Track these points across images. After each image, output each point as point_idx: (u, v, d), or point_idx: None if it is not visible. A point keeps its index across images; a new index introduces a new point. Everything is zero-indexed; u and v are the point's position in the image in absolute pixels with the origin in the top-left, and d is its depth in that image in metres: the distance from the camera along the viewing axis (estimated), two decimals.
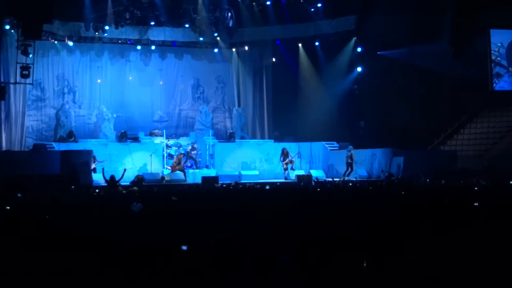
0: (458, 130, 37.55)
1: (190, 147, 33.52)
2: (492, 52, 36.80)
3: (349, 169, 31.67)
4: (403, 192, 17.39)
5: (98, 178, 28.11)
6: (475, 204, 12.34)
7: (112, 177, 23.48)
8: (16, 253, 7.61)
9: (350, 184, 24.56)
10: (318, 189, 20.06)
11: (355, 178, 30.22)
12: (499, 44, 36.88)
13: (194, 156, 33.49)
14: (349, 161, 31.84)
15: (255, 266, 6.63)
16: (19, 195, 17.50)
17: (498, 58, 37.01)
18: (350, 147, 32.23)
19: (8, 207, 13.15)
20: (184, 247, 9.72)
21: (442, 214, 10.79)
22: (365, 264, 6.80)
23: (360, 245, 7.60)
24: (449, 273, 6.55)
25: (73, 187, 23.38)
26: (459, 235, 8.51)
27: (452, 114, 37.45)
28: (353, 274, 6.52)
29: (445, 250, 7.52)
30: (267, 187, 21.88)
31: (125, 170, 26.10)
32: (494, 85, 36.91)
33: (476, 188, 19.05)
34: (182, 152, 32.98)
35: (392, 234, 8.62)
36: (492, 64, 36.84)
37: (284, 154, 32.72)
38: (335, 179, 28.37)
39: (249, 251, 6.97)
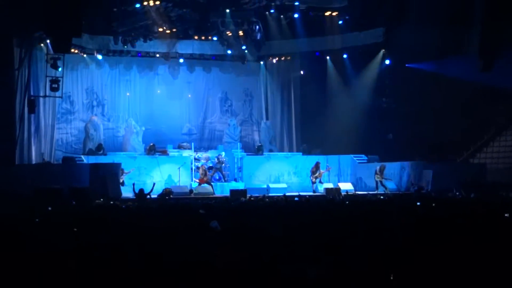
0: (487, 143, 37.20)
1: (216, 160, 33.50)
2: None
3: (378, 186, 31.47)
4: (433, 205, 17.26)
5: (126, 191, 28.23)
6: (505, 215, 12.21)
7: (141, 190, 23.55)
8: (47, 266, 7.62)
9: (381, 197, 24.41)
10: (347, 202, 19.96)
11: (384, 191, 30.16)
12: None
13: (221, 169, 33.48)
14: (376, 179, 31.74)
15: (284, 281, 6.59)
16: (49, 208, 17.55)
17: None
18: (377, 167, 32.08)
19: (37, 220, 13.21)
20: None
21: (473, 226, 10.68)
22: (392, 277, 6.75)
23: (393, 260, 7.54)
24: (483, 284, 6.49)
25: (101, 199, 23.48)
26: (492, 247, 8.43)
27: (481, 127, 37.13)
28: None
29: (478, 261, 7.45)
30: (296, 199, 21.87)
31: (154, 184, 26.20)
32: None
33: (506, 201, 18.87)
34: (211, 165, 33.06)
35: (423, 248, 8.54)
36: None
37: (316, 166, 32.65)
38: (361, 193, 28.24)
39: (277, 266, 6.94)
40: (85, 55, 34.84)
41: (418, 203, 17.35)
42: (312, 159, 33.57)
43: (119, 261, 7.75)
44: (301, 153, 36.06)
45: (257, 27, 34.52)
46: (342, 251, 8.11)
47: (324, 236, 9.49)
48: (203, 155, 34.10)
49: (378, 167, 31.86)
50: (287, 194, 28.38)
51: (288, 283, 6.55)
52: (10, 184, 25.19)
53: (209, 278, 6.94)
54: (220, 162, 33.28)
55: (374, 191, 30.49)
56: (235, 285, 6.70)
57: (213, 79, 38.46)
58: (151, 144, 33.28)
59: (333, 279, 6.68)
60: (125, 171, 30.31)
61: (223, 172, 33.55)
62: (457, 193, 25.67)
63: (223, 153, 33.80)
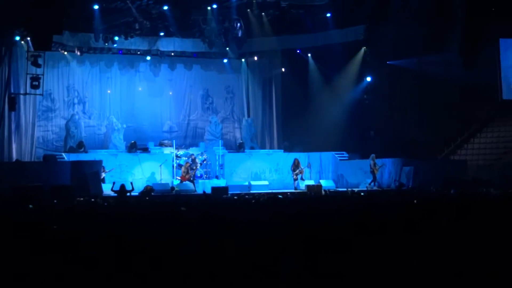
0: (468, 140, 37.35)
1: (191, 160, 33.14)
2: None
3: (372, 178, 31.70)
4: (415, 201, 17.31)
5: (108, 188, 28.15)
6: (485, 211, 12.26)
7: (122, 186, 23.47)
8: (28, 265, 7.59)
9: (362, 194, 24.48)
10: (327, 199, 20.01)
11: (366, 188, 30.31)
12: None
13: (201, 166, 33.27)
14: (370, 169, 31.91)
15: (258, 274, 6.59)
16: (30, 206, 17.48)
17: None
18: (372, 155, 32.17)
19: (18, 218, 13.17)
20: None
21: (451, 222, 10.72)
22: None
23: (367, 249, 7.56)
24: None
25: (82, 198, 23.38)
26: (469, 241, 8.47)
27: (462, 123, 37.28)
28: (360, 277, 6.49)
29: (453, 255, 7.49)
30: (280, 196, 21.93)
31: (132, 183, 25.94)
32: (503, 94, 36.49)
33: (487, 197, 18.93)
34: (189, 162, 32.86)
35: (399, 239, 8.58)
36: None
37: (295, 164, 32.68)
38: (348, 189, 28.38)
39: (252, 259, 6.94)
40: (65, 53, 34.58)
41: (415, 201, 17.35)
42: (293, 156, 33.52)
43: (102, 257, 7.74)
44: (282, 150, 35.99)
45: (239, 24, 34.56)
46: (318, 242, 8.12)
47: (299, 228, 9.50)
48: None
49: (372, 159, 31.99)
50: (269, 191, 28.47)
51: (263, 276, 6.55)
52: None
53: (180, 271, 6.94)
54: (194, 162, 32.94)
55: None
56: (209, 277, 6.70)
57: (194, 76, 38.37)
58: (132, 141, 33.18)
59: (308, 271, 6.69)
60: (106, 169, 30.28)
61: (201, 169, 33.37)
62: (434, 189, 25.78)
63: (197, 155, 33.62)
